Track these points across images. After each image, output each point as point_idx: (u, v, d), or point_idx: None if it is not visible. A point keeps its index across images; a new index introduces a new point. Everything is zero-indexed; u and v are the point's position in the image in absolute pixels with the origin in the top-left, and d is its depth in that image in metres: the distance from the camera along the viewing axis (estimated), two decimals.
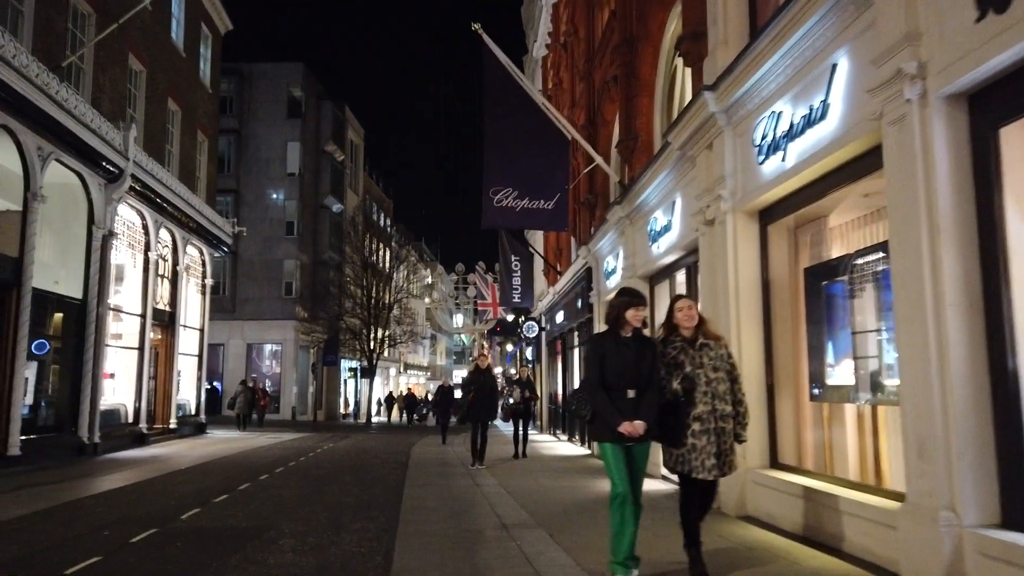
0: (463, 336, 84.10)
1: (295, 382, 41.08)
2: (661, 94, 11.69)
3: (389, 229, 49.40)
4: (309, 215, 44.03)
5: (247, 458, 16.13)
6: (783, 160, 6.41)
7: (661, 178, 10.03)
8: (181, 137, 23.75)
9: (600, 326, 15.21)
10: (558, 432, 23.83)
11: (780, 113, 6.45)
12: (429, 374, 76.85)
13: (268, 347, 42.31)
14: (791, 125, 6.21)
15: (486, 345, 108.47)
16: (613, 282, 14.03)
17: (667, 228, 10.00)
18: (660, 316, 11.29)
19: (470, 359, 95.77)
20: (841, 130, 5.53)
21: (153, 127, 21.37)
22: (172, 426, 22.36)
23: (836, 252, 6.74)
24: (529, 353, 39.39)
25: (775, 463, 7.20)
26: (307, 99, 43.96)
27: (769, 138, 6.62)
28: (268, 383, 40.09)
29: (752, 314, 7.40)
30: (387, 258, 45.20)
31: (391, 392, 50.98)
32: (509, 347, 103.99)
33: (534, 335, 26.59)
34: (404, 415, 41.89)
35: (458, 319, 79.61)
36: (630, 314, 5.01)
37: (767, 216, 7.38)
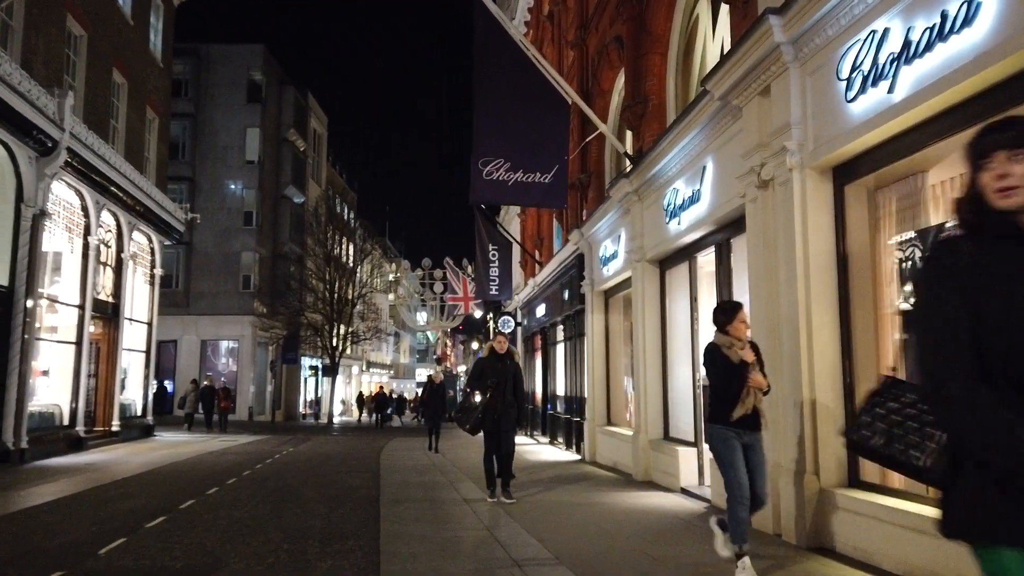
0: (430, 333, 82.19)
1: (252, 381, 38.93)
2: (676, 52, 10.23)
3: (353, 223, 47.41)
4: (269, 206, 41.90)
5: (195, 466, 14.32)
6: (890, 91, 4.94)
7: (687, 141, 8.55)
8: (128, 112, 21.69)
9: (595, 318, 13.72)
10: (535, 434, 22.32)
11: (887, 31, 4.98)
12: (392, 372, 74.89)
13: (224, 344, 40.09)
14: (907, 44, 4.74)
15: (448, 344, 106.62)
16: (612, 268, 12.54)
17: (693, 199, 8.53)
18: (675, 314, 9.84)
19: (434, 357, 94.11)
20: (998, 36, 4.06)
21: (95, 98, 19.33)
22: (115, 429, 20.33)
23: (937, 218, 5.30)
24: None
25: (855, 482, 5.75)
26: (268, 84, 41.82)
27: (866, 66, 5.15)
28: (224, 382, 37.89)
29: (826, 297, 5.94)
30: (351, 252, 43.18)
31: (362, 392, 49.01)
32: (475, 345, 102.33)
33: (509, 330, 25.00)
34: (374, 416, 39.98)
35: (422, 316, 77.71)
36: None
37: (845, 173, 5.92)
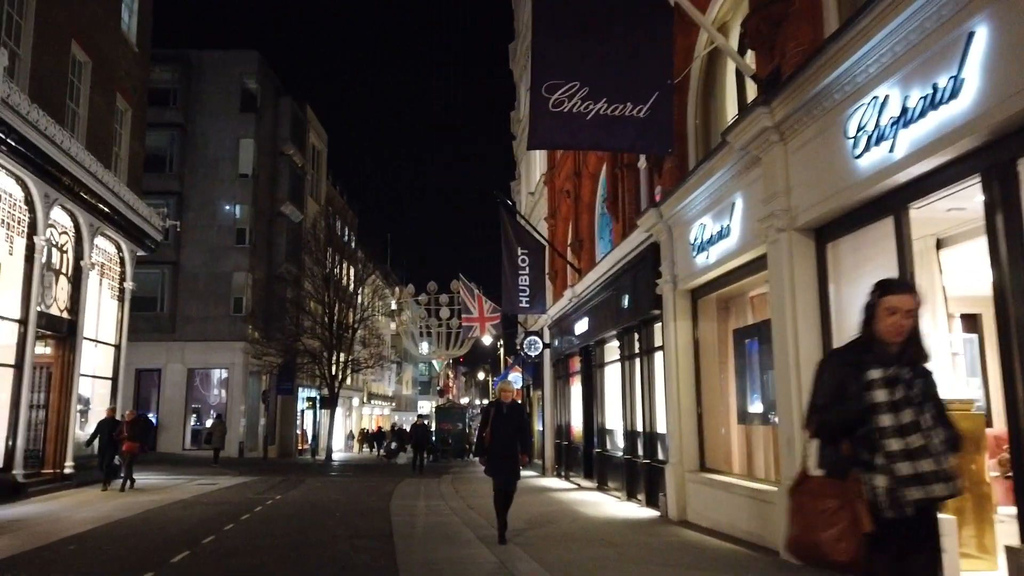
0: (436, 362, 78.49)
1: (243, 413, 35.27)
2: None
3: (353, 245, 43.95)
4: (263, 223, 38.59)
5: (148, 524, 10.77)
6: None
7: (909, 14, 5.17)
8: (92, 97, 18.44)
9: (678, 327, 10.27)
10: (571, 475, 18.70)
11: None
12: (394, 404, 71.10)
13: (214, 373, 36.53)
14: None
15: (450, 375, 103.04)
16: (715, 254, 9.12)
17: (933, 104, 5.11)
18: (849, 307, 6.38)
19: (437, 389, 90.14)
20: None
21: (45, 71, 16.07)
22: (68, 471, 16.76)
23: None
24: (516, 380, 34.23)
25: None
26: (263, 93, 38.79)
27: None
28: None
29: None
30: (351, 276, 39.67)
31: (380, 427, 45.46)
32: (481, 375, 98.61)
33: (537, 353, 21.51)
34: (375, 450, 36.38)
35: (424, 346, 74.10)
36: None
37: None
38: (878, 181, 5.84)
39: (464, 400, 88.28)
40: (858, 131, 6.02)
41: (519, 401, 9.79)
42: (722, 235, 8.83)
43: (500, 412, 9.04)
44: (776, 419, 8.38)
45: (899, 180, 5.70)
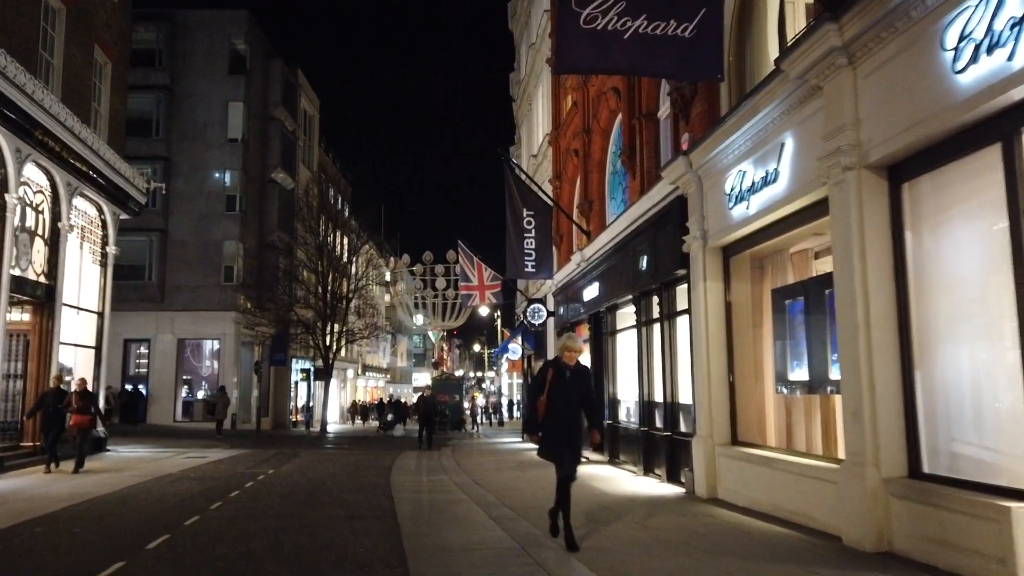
0: (431, 333, 77.65)
1: (236, 385, 34.33)
2: None
3: (347, 214, 42.63)
4: (254, 190, 37.37)
5: (127, 503, 9.87)
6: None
7: None
8: (67, 47, 17.23)
9: (708, 288, 9.35)
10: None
11: None
12: (389, 377, 70.36)
13: (206, 344, 35.54)
14: None
15: (444, 348, 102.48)
16: (756, 204, 8.15)
17: None
18: (934, 255, 5.32)
19: (432, 361, 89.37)
20: None
21: (12, 15, 14.87)
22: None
23: None
24: (515, 351, 33.33)
25: None
26: (252, 54, 37.34)
27: None
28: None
29: None
30: (345, 245, 38.53)
31: (380, 399, 44.80)
32: (476, 347, 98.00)
33: (541, 321, 20.58)
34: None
35: (419, 318, 73.05)
36: None
37: None
38: (986, 99, 4.86)
39: (459, 372, 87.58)
40: (960, 41, 5.02)
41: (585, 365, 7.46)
42: (767, 181, 7.84)
43: (561, 377, 6.83)
44: (830, 388, 7.48)
45: (1015, 97, 4.71)
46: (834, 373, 7.45)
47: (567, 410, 6.75)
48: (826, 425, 7.95)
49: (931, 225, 5.97)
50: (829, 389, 7.61)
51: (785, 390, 8.67)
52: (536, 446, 7.08)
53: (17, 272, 14.89)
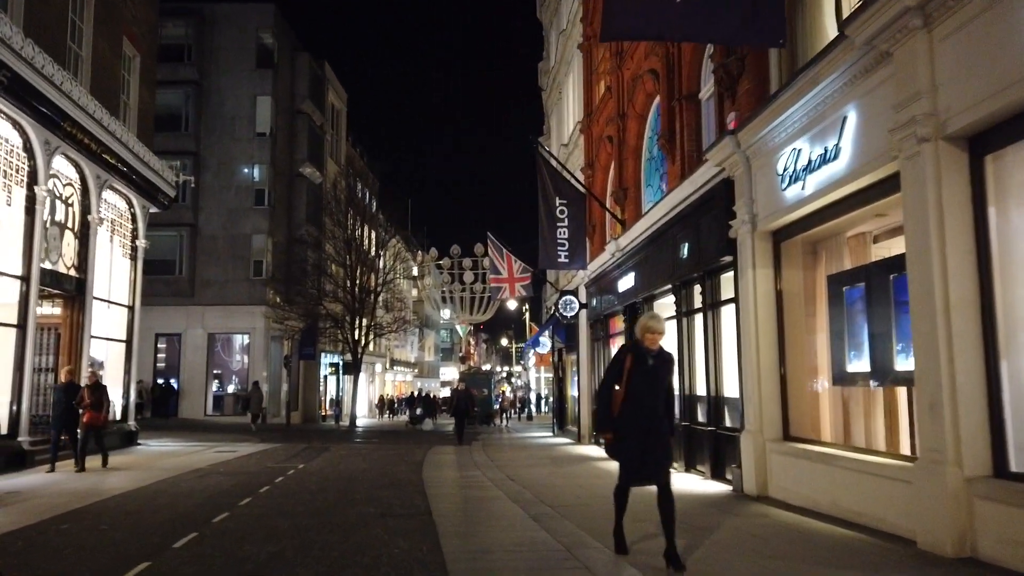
0: (459, 327, 77.52)
1: (266, 380, 34.33)
2: None
3: (374, 208, 42.51)
4: (283, 184, 37.33)
5: (156, 499, 9.63)
6: None
7: None
8: (95, 40, 17.10)
9: (758, 275, 8.87)
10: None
11: None
12: (417, 371, 70.35)
13: (236, 338, 35.58)
14: None
15: (471, 342, 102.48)
16: (813, 184, 7.65)
17: None
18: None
19: (459, 355, 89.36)
20: None
21: (41, 7, 14.72)
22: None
23: None
24: (542, 344, 32.88)
25: None
26: (280, 48, 37.27)
27: None
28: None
29: None
30: (373, 239, 38.31)
31: (412, 393, 44.87)
32: (504, 342, 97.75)
33: (573, 313, 20.15)
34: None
35: (446, 312, 72.94)
36: None
37: None
38: None
39: (486, 367, 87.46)
40: None
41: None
42: (826, 159, 7.34)
43: (642, 363, 5.62)
44: (894, 380, 6.97)
45: None
46: (900, 364, 6.96)
47: (651, 404, 5.65)
48: (890, 419, 7.45)
49: (1018, 201, 5.47)
50: (894, 381, 7.10)
51: (842, 382, 8.16)
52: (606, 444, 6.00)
53: (48, 265, 14.79)
